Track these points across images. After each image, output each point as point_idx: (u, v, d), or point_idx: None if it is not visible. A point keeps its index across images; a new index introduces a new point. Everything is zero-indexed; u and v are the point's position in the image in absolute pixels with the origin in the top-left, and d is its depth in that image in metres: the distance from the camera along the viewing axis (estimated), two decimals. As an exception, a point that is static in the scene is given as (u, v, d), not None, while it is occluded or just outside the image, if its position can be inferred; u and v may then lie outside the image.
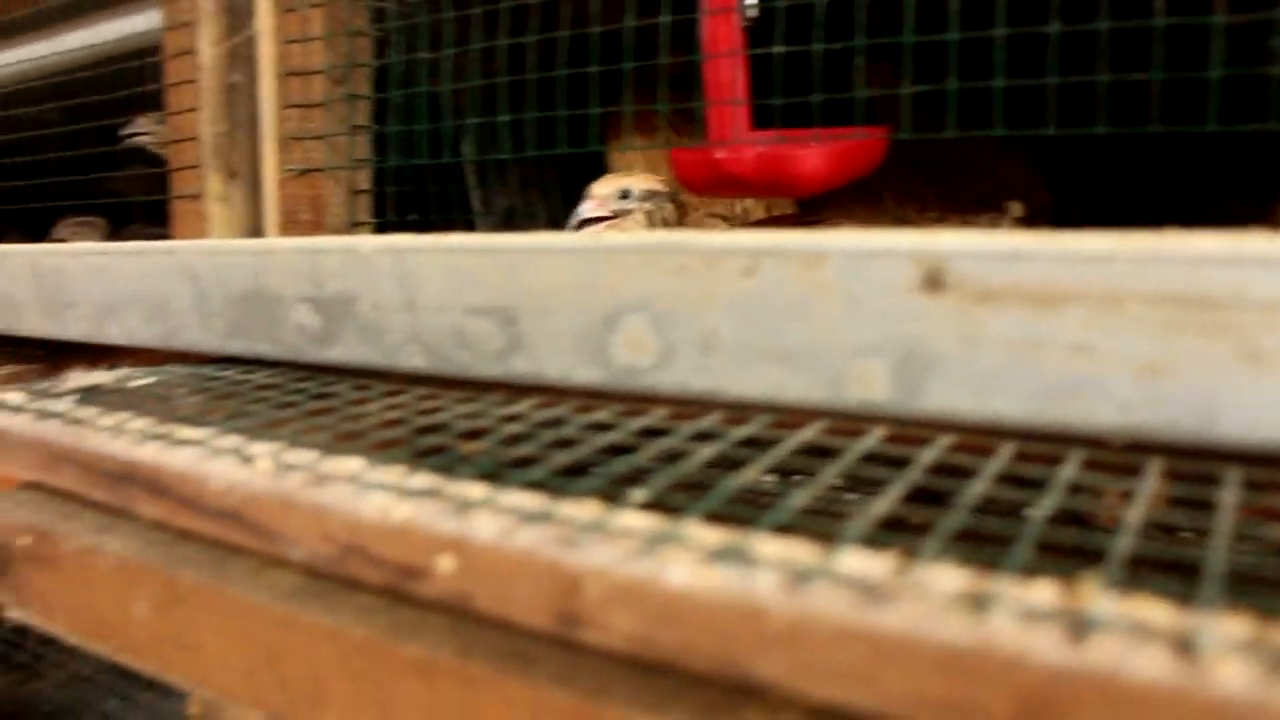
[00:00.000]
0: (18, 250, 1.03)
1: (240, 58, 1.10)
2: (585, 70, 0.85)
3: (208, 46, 1.12)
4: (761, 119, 0.93)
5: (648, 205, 0.98)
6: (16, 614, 0.79)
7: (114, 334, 0.92)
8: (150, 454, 0.58)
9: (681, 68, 0.90)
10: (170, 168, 1.18)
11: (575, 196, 1.03)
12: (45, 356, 1.18)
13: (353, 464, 0.53)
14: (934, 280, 0.50)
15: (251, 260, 0.77)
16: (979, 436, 0.54)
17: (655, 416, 0.59)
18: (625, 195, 0.98)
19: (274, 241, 0.78)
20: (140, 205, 2.04)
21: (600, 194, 0.98)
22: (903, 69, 0.74)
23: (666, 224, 0.99)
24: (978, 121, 0.73)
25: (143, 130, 1.45)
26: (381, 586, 0.48)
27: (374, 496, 0.48)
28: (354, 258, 0.70)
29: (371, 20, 1.03)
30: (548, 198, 1.07)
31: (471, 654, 0.46)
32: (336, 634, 0.51)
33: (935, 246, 0.50)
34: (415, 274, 0.66)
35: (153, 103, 1.32)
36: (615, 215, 0.98)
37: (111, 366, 0.94)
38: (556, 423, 0.60)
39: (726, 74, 0.88)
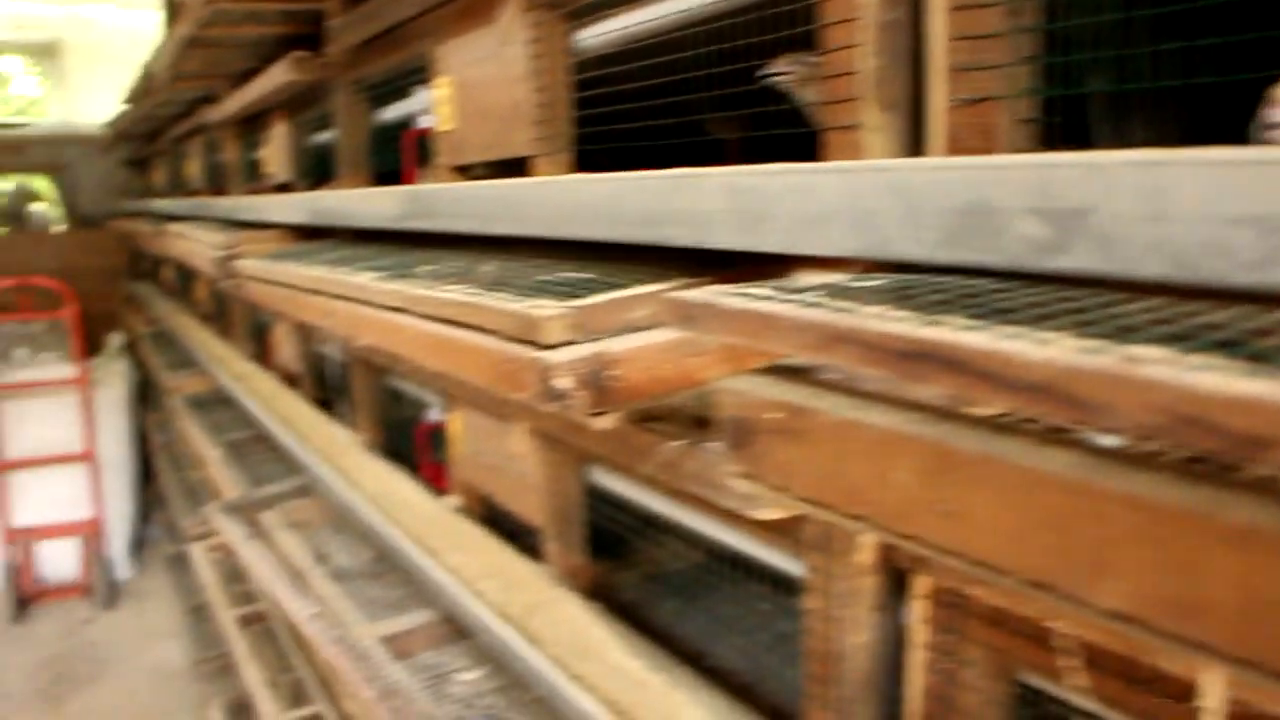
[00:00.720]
0: (714, 172, 1.18)
1: (901, -4, 1.19)
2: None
3: (871, -13, 1.21)
4: None
5: None
6: (746, 483, 0.92)
7: (812, 245, 1.03)
8: (943, 334, 0.66)
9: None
10: (824, 102, 1.28)
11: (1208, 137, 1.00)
12: (715, 271, 1.33)
13: (1151, 350, 0.57)
14: None
15: (973, 175, 0.84)
16: None
17: None
18: None
19: (999, 158, 0.85)
20: (734, 146, 2.22)
21: None
22: None
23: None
24: None
25: (781, 70, 1.58)
26: (1206, 459, 0.53)
27: (1202, 374, 0.52)
28: (1093, 171, 0.74)
29: (1046, -47, 1.07)
30: (1184, 137, 1.05)
31: (1301, 525, 0.50)
32: (1138, 502, 0.57)
33: None
34: (1165, 186, 0.70)
35: (788, 45, 1.44)
36: None
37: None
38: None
39: None
